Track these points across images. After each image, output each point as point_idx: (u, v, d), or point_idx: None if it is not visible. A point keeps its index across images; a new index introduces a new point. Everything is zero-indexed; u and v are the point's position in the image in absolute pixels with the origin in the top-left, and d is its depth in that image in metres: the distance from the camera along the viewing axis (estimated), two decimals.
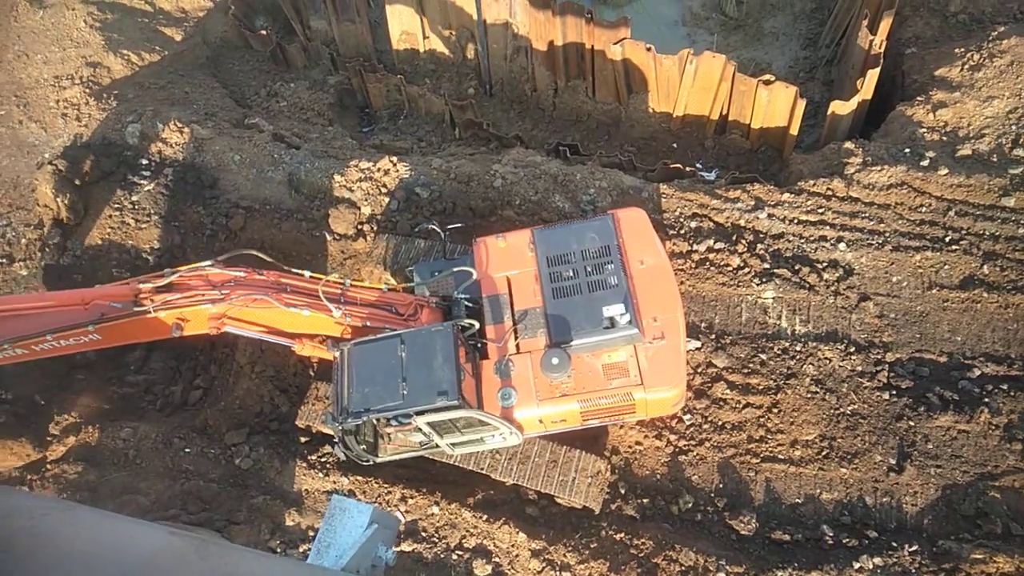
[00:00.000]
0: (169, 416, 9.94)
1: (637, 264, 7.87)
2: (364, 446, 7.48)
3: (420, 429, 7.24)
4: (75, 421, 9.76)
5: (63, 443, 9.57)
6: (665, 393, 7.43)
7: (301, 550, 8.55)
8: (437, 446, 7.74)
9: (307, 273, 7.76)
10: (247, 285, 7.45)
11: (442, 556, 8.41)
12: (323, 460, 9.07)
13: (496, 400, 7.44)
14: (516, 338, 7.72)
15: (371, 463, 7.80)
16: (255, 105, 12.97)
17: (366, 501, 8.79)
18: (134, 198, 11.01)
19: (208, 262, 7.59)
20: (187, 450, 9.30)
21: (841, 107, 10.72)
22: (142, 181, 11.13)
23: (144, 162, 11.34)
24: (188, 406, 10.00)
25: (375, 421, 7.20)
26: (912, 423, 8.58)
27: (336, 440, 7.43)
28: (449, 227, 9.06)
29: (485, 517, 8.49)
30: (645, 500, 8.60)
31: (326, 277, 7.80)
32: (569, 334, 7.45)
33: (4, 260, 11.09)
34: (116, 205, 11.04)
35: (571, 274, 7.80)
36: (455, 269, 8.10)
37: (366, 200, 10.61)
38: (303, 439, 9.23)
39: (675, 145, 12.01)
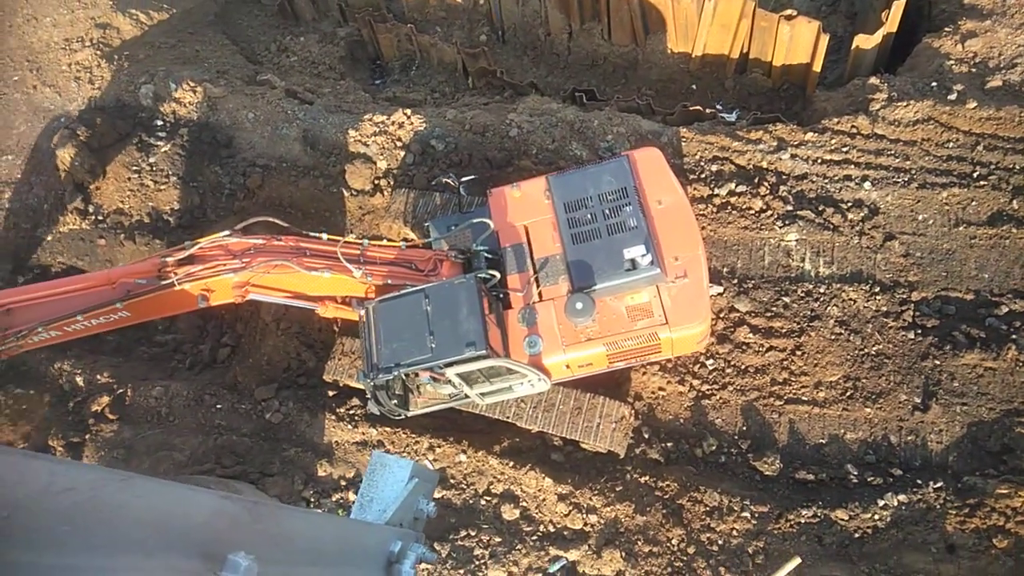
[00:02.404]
0: (199, 374, 10.14)
1: (655, 204, 7.83)
2: (395, 401, 7.62)
3: (451, 381, 7.35)
4: (108, 381, 9.99)
5: (97, 403, 9.82)
6: (690, 330, 7.48)
7: (334, 499, 8.80)
8: (467, 397, 7.86)
9: (325, 235, 7.77)
10: (267, 251, 7.49)
11: (471, 502, 8.62)
12: (351, 412, 9.24)
13: (522, 348, 7.52)
14: (538, 286, 7.74)
15: (403, 417, 7.95)
16: (266, 61, 12.82)
17: (396, 453, 8.99)
18: (151, 159, 11.03)
19: (226, 232, 7.63)
20: (218, 406, 9.51)
21: (865, 41, 10.39)
22: (158, 142, 11.12)
23: (159, 123, 11.32)
24: (217, 363, 10.19)
25: (404, 376, 7.31)
26: (938, 362, 8.54)
27: (368, 396, 7.57)
28: (464, 179, 9.00)
29: (511, 464, 8.65)
30: (669, 444, 8.71)
31: (344, 238, 7.83)
32: (591, 278, 7.45)
33: (28, 226, 11.21)
34: (134, 167, 11.07)
35: (589, 218, 7.74)
36: (472, 221, 8.08)
37: (381, 154, 10.55)
38: (331, 393, 9.40)
39: (694, 86, 11.75)
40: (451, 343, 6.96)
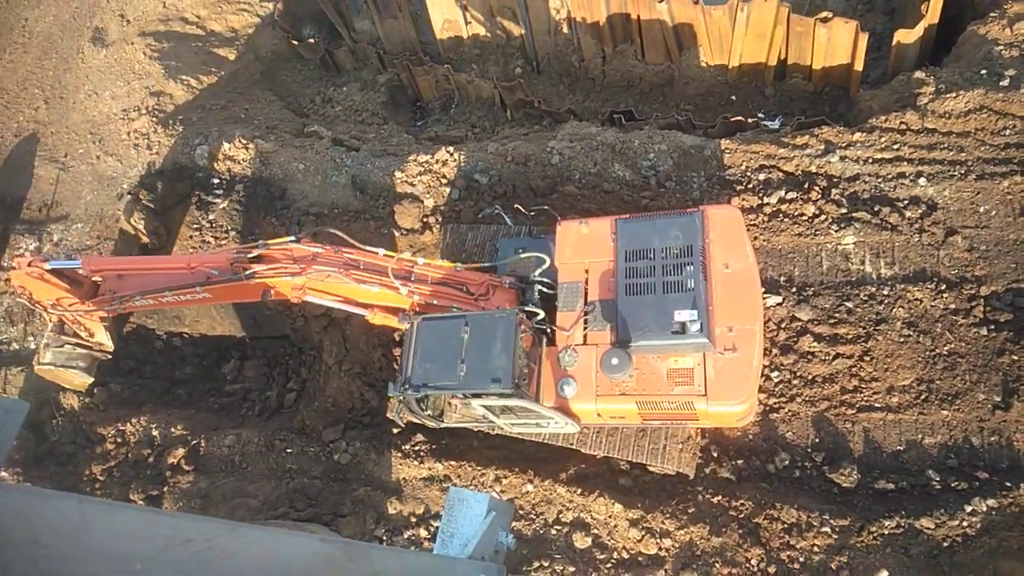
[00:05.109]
0: (268, 420, 10.41)
1: (721, 268, 7.38)
2: (430, 411, 7.87)
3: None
4: (182, 433, 10.34)
5: (173, 455, 10.15)
6: (729, 408, 7.06)
7: (406, 536, 8.87)
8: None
9: (382, 251, 8.10)
10: (324, 261, 7.94)
11: (541, 531, 8.57)
12: (416, 449, 9.35)
13: (555, 390, 7.39)
14: (585, 328, 7.58)
15: (438, 427, 8.22)
16: (312, 113, 13.27)
17: (462, 486, 9.02)
18: (211, 217, 11.48)
19: (292, 237, 8.12)
20: (288, 450, 9.73)
21: (906, 35, 10.21)
22: (216, 200, 11.58)
23: (215, 181, 11.79)
24: (284, 409, 10.45)
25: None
26: (1015, 357, 8.20)
27: (397, 409, 7.89)
28: (534, 208, 9.09)
29: (579, 491, 8.60)
30: (739, 461, 8.53)
31: (398, 255, 8.14)
32: (635, 334, 7.16)
33: None
34: (195, 225, 11.54)
35: (647, 271, 7.42)
36: (535, 254, 8.12)
37: (428, 193, 10.77)
38: (395, 430, 9.52)
39: (734, 97, 11.70)
40: (479, 375, 6.98)
